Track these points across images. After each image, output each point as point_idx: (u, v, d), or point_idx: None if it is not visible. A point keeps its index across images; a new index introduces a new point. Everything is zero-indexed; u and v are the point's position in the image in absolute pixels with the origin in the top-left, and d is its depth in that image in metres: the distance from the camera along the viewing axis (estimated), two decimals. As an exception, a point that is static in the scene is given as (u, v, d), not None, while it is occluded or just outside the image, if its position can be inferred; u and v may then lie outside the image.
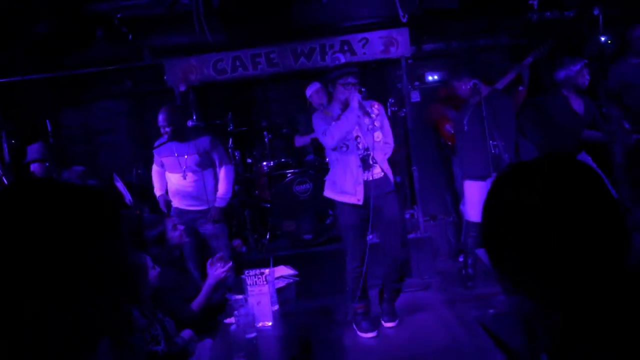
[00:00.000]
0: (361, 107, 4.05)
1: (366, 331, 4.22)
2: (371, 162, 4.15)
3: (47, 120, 6.30)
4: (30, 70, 5.94)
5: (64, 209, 0.90)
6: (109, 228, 0.95)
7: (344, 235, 4.33)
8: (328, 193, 4.31)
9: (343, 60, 4.32)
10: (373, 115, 4.17)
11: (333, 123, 4.05)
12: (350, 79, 4.09)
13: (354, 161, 4.10)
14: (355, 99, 4.03)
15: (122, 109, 6.99)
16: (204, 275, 3.80)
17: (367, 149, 4.14)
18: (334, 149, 4.14)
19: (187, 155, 4.73)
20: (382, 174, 4.19)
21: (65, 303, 0.87)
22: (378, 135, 4.16)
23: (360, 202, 4.07)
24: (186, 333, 3.21)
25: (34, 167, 4.92)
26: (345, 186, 4.11)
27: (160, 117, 4.66)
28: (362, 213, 4.14)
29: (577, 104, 5.01)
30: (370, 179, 4.13)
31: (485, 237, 1.00)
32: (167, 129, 4.63)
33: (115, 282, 0.96)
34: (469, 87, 4.76)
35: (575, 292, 0.92)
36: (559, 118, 5.03)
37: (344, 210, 4.20)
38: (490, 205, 0.99)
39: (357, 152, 4.12)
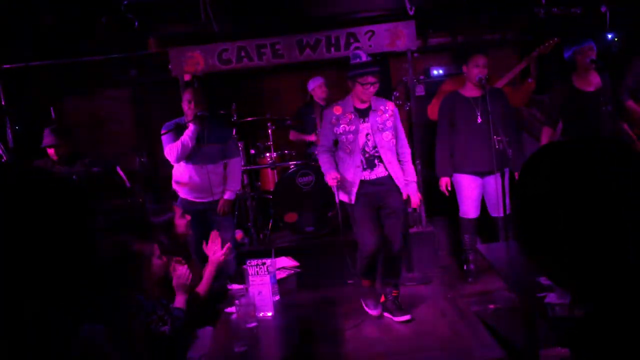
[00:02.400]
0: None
1: (372, 308, 4.38)
2: (376, 163, 4.21)
3: (52, 108, 6.30)
4: (35, 57, 5.94)
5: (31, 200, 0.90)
6: (77, 218, 0.94)
7: (352, 224, 4.37)
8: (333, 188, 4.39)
9: (364, 58, 4.14)
10: (386, 115, 4.21)
11: (326, 158, 4.27)
12: (370, 79, 4.09)
13: (355, 161, 4.19)
14: (330, 180, 4.16)
15: (126, 97, 6.98)
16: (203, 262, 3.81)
17: (374, 147, 4.19)
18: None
19: (206, 143, 4.73)
20: (386, 172, 4.22)
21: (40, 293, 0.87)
22: (387, 135, 4.21)
23: (352, 202, 4.20)
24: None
25: (49, 151, 4.98)
26: (344, 185, 4.22)
27: (188, 95, 4.71)
28: (365, 203, 4.21)
29: (589, 84, 4.96)
30: (372, 178, 4.21)
31: (520, 222, 0.97)
32: (193, 109, 4.66)
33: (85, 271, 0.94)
34: (477, 79, 4.75)
35: (608, 281, 0.88)
36: (559, 101, 5.01)
37: (344, 205, 4.32)
38: (523, 191, 0.96)
39: (360, 152, 4.19)
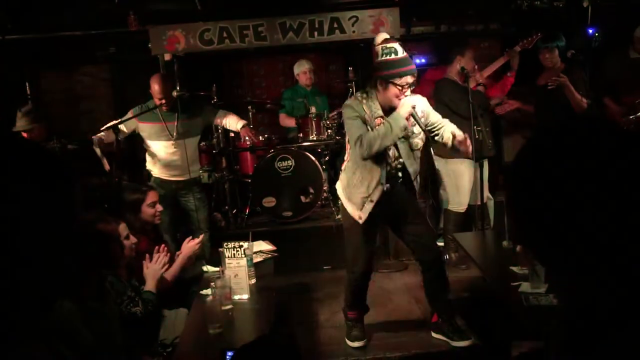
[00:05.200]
0: (413, 117, 3.33)
1: (354, 339, 3.72)
2: (399, 174, 3.50)
3: (27, 83, 6.17)
4: (12, 30, 5.80)
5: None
6: (60, 190, 0.90)
7: (345, 237, 3.71)
8: (339, 188, 3.69)
9: (401, 53, 3.30)
10: (419, 118, 3.38)
11: (372, 132, 3.30)
12: (410, 79, 3.29)
13: (376, 174, 3.42)
14: (406, 106, 3.28)
15: (104, 75, 6.86)
16: (179, 248, 3.79)
17: (398, 158, 3.46)
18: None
19: (174, 122, 4.69)
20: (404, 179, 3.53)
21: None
22: (418, 143, 3.48)
23: (361, 221, 3.48)
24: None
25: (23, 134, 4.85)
26: (354, 197, 3.51)
27: (157, 87, 4.63)
28: (373, 222, 3.55)
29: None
30: (389, 187, 3.46)
31: (514, 207, 0.96)
32: (162, 100, 4.60)
33: (62, 246, 0.91)
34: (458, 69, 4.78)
35: (605, 273, 0.87)
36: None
37: (346, 213, 3.60)
38: (519, 174, 0.95)
39: (385, 164, 3.43)
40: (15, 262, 0.83)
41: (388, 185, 3.44)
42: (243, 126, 5.01)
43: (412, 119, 3.33)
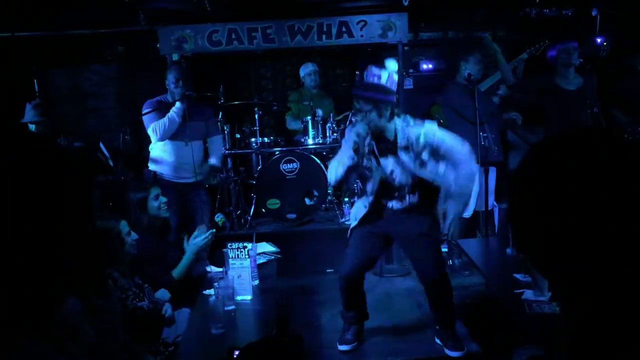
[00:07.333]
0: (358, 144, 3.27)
1: (342, 342, 3.73)
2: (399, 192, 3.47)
3: (35, 80, 6.18)
4: (21, 27, 5.82)
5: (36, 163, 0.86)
6: (77, 187, 0.91)
7: (349, 239, 3.68)
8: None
9: (363, 82, 3.33)
10: (409, 147, 3.28)
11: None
12: (363, 105, 3.23)
13: (365, 196, 3.51)
14: (348, 136, 3.38)
15: (112, 74, 6.87)
16: (182, 249, 3.79)
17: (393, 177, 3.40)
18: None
19: (189, 122, 4.69)
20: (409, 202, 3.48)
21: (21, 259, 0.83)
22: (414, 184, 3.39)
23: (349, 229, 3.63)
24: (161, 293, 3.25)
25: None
26: (356, 205, 3.67)
27: (175, 74, 4.66)
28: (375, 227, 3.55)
29: (570, 83, 4.95)
30: (397, 208, 3.50)
31: (514, 217, 0.95)
32: (178, 89, 4.62)
33: (77, 243, 0.92)
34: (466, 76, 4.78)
35: (601, 287, 0.87)
36: (538, 94, 4.99)
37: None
38: (522, 182, 0.94)
39: (372, 188, 3.44)
40: (24, 259, 0.83)
41: (392, 203, 3.48)
42: (212, 166, 5.01)
43: (363, 147, 3.26)
